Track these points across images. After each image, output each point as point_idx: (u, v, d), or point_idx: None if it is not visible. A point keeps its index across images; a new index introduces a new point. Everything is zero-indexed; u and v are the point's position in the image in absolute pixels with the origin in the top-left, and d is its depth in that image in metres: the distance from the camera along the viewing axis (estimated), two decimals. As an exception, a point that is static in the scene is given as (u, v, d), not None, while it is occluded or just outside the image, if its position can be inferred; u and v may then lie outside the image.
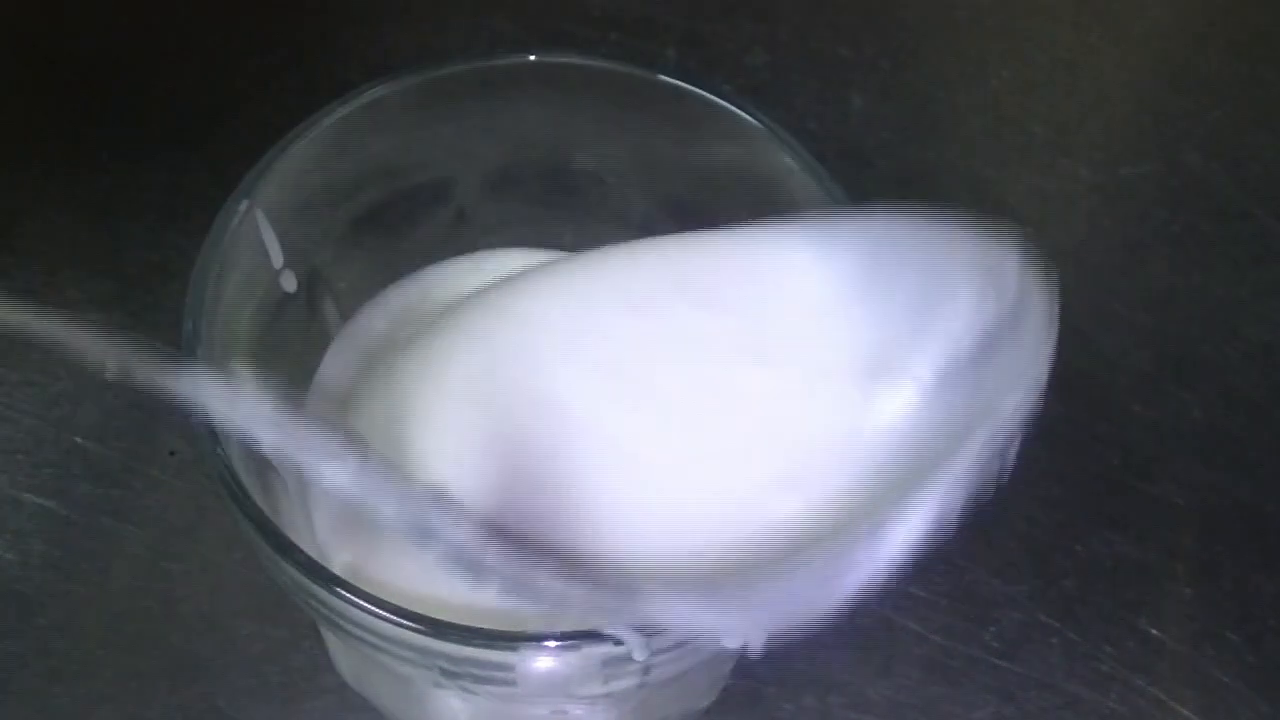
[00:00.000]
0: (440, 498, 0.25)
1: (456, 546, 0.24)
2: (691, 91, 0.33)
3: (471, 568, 0.24)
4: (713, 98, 0.32)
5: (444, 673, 0.27)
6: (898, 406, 0.27)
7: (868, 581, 0.24)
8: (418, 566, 0.30)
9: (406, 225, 0.35)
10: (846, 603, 0.24)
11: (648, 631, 0.25)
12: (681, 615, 0.24)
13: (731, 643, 0.25)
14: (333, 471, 0.24)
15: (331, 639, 0.35)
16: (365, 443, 0.24)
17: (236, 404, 0.24)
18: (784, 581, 0.25)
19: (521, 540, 0.25)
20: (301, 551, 0.26)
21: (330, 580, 0.26)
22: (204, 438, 0.27)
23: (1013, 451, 0.25)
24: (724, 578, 0.26)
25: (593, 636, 0.25)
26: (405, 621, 0.25)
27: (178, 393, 0.24)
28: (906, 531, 0.24)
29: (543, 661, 0.26)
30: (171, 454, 0.39)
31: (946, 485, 0.24)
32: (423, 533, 0.24)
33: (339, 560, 0.31)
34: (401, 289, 0.36)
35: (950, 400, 0.27)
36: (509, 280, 0.31)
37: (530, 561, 0.24)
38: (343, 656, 0.35)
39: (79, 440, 0.39)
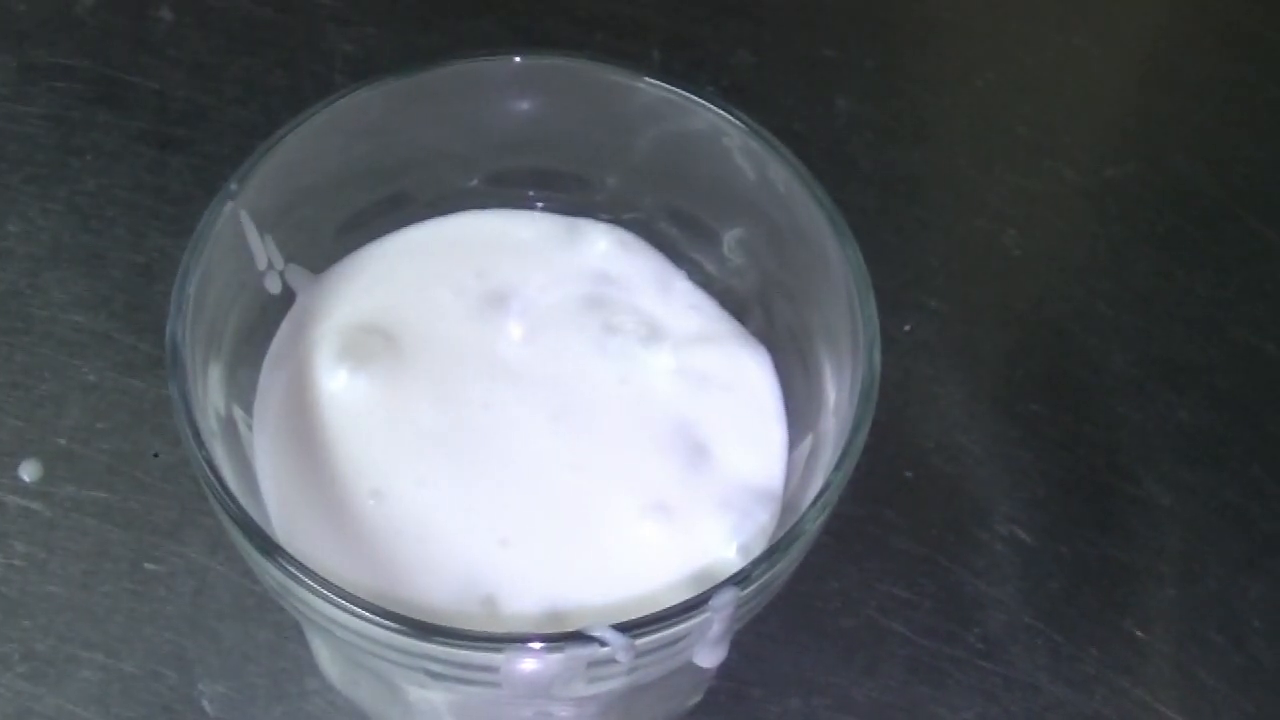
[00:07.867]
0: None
1: None
2: (676, 93, 0.33)
3: None
4: (697, 99, 0.32)
5: (429, 674, 0.27)
6: None
7: None
8: (338, 546, 0.30)
9: (391, 227, 0.35)
10: None
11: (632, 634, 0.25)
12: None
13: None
14: None
15: (316, 641, 0.35)
16: None
17: None
18: None
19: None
20: (286, 553, 0.26)
21: (315, 582, 0.26)
22: (188, 440, 0.27)
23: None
24: None
25: (577, 638, 0.25)
26: (390, 623, 0.25)
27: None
28: None
29: (527, 663, 0.26)
30: (155, 456, 0.39)
31: None
32: None
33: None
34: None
35: None
36: None
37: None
38: (327, 658, 0.35)
39: (63, 442, 0.39)
